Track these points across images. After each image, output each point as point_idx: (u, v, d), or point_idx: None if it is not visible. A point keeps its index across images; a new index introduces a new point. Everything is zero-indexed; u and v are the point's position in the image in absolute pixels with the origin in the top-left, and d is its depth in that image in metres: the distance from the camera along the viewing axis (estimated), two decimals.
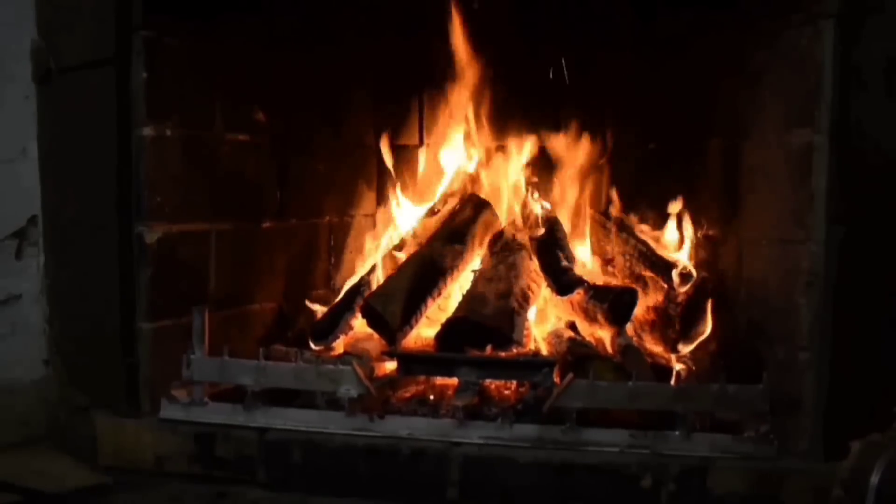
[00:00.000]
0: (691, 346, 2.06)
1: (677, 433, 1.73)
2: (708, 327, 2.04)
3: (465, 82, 2.46)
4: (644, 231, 2.31)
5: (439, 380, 1.98)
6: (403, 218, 2.57)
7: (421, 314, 2.17)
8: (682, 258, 2.18)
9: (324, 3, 2.23)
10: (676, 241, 2.20)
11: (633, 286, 2.18)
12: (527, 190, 2.46)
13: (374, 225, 2.62)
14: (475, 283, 2.21)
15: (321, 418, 1.84)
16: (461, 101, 2.51)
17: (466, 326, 2.05)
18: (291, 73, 2.25)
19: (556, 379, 1.85)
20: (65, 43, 2.04)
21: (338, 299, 2.31)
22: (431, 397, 1.94)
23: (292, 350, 2.06)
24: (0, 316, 2.12)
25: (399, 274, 2.22)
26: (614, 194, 2.41)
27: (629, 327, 2.09)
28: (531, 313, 2.20)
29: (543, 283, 2.22)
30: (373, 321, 2.14)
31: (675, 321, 2.07)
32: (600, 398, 1.76)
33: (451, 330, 2.07)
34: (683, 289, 2.11)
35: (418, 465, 1.76)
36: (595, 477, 1.71)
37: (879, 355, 1.66)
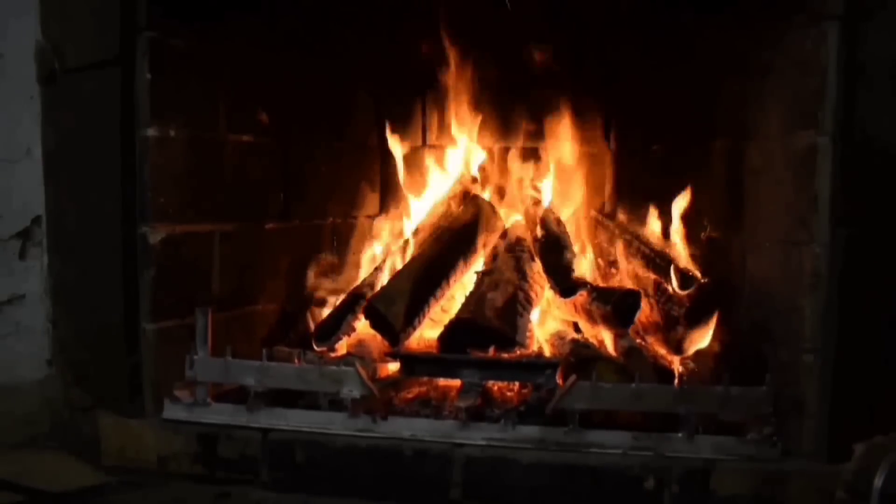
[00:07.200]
0: (694, 348, 2.05)
1: (680, 435, 1.73)
2: (711, 329, 2.04)
3: (467, 82, 2.47)
4: (647, 232, 2.30)
5: (442, 381, 1.98)
6: (406, 219, 2.57)
7: (424, 315, 2.17)
8: (686, 260, 2.18)
9: (326, 4, 2.24)
10: (680, 243, 2.20)
11: (637, 288, 2.18)
12: (530, 191, 2.46)
13: (377, 226, 2.62)
14: (478, 284, 2.21)
15: (324, 419, 1.84)
16: (464, 102, 2.51)
17: (469, 328, 2.04)
18: (295, 75, 2.26)
19: (559, 380, 1.84)
20: (69, 44, 2.04)
21: (340, 300, 2.31)
22: (434, 398, 1.94)
23: (295, 351, 2.06)
24: (4, 316, 2.13)
25: (402, 275, 2.22)
26: (618, 196, 2.40)
27: (632, 329, 2.09)
28: (534, 315, 2.20)
29: (546, 285, 2.22)
30: (376, 322, 2.13)
31: (678, 323, 2.06)
32: (603, 400, 1.76)
33: (454, 331, 2.06)
34: (686, 290, 2.10)
35: (421, 466, 1.76)
36: (598, 478, 1.71)
37: (883, 357, 1.66)
